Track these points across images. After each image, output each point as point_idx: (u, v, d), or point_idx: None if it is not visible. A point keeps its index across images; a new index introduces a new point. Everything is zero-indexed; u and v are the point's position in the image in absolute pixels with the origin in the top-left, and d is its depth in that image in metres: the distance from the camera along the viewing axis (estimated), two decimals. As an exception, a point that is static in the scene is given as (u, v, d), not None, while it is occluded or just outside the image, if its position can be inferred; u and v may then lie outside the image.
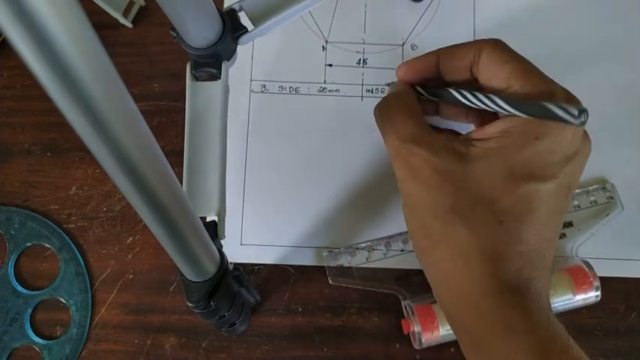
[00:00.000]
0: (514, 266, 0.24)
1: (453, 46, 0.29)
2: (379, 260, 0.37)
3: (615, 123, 0.38)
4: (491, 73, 0.27)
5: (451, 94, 0.28)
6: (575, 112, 0.23)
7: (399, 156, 0.27)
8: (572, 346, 0.24)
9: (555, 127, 0.25)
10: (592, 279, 0.34)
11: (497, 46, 0.27)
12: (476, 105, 0.26)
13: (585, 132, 0.27)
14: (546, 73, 0.27)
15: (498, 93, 0.26)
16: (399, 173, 0.27)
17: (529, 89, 0.25)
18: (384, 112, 0.30)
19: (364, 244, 0.37)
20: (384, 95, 0.32)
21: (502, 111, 0.25)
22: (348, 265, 0.36)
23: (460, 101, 0.27)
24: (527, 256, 0.25)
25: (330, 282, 0.36)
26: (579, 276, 0.34)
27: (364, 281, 0.36)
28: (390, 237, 0.37)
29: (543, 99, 0.24)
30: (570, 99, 0.25)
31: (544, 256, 0.25)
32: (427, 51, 0.31)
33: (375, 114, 0.31)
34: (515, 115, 0.25)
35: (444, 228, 0.25)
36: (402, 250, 0.37)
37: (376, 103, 0.31)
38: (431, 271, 0.27)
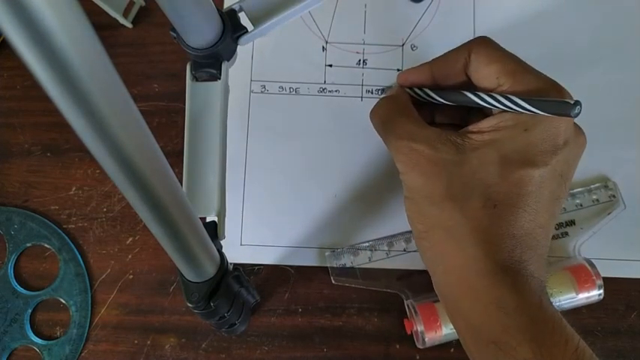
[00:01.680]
0: (506, 248, 0.25)
1: (443, 54, 0.30)
2: (381, 260, 0.37)
3: (617, 122, 0.38)
4: (481, 73, 0.28)
5: (466, 96, 0.28)
6: (576, 108, 0.24)
7: (400, 153, 0.28)
8: (564, 326, 0.24)
9: (545, 119, 0.26)
10: (594, 277, 0.34)
11: (483, 45, 0.28)
12: (493, 106, 0.27)
13: (576, 124, 0.28)
14: (546, 73, 0.27)
15: (490, 92, 0.27)
16: (400, 168, 0.28)
17: (519, 87, 0.26)
18: (380, 114, 0.31)
19: (366, 244, 0.37)
20: (379, 99, 0.32)
21: (520, 110, 0.25)
22: (351, 264, 0.36)
23: (476, 103, 0.27)
24: (520, 240, 0.25)
25: (333, 282, 0.36)
26: (582, 275, 0.34)
27: (367, 281, 0.36)
28: (392, 236, 0.37)
29: (540, 95, 0.25)
30: (560, 91, 0.26)
31: (538, 242, 0.26)
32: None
33: (371, 118, 0.32)
34: (535, 114, 0.25)
35: (438, 213, 0.26)
36: (404, 250, 0.37)
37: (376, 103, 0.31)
38: (428, 255, 0.28)
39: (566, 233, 0.37)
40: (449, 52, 0.30)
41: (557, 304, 0.34)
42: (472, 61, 0.28)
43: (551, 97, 0.25)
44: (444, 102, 0.29)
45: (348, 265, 0.36)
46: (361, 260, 0.36)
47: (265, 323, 0.36)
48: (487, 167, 0.26)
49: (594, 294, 0.34)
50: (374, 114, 0.31)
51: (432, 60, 0.30)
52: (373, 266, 0.36)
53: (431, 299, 0.34)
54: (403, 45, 0.40)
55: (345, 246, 0.37)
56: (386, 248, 0.37)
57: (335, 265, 0.36)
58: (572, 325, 0.25)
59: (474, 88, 0.28)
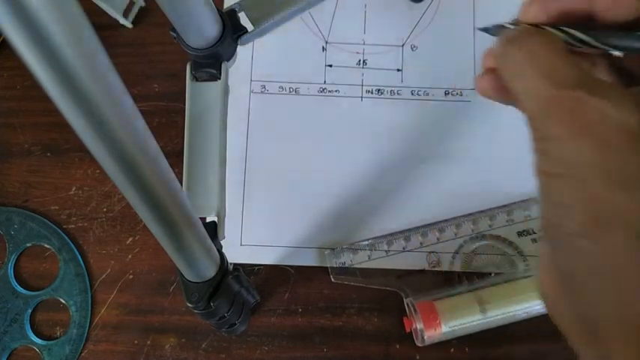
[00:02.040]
0: None
1: None
2: (381, 259, 0.37)
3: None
4: None
5: None
6: None
7: (560, 107, 0.19)
8: None
9: None
10: None
11: None
12: None
13: None
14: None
15: None
16: (555, 130, 0.20)
17: None
18: (530, 48, 0.21)
19: (366, 243, 0.37)
20: (501, 38, 0.22)
21: None
22: (350, 263, 0.36)
23: None
24: None
25: (333, 280, 0.36)
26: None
27: (366, 279, 0.36)
28: (391, 235, 0.37)
29: None
30: None
31: None
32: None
33: (499, 54, 0.22)
34: None
35: (629, 203, 0.19)
36: (403, 249, 0.37)
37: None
38: (585, 262, 0.19)
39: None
40: None
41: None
42: None
43: None
44: (607, 48, 0.21)
45: (347, 264, 0.36)
46: (361, 259, 0.37)
47: (265, 323, 0.36)
48: None
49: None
50: (518, 47, 0.22)
51: None
52: (372, 265, 0.37)
53: (430, 297, 0.34)
54: (403, 45, 0.40)
55: (345, 245, 0.37)
56: (385, 247, 0.37)
57: (334, 264, 0.36)
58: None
59: None
